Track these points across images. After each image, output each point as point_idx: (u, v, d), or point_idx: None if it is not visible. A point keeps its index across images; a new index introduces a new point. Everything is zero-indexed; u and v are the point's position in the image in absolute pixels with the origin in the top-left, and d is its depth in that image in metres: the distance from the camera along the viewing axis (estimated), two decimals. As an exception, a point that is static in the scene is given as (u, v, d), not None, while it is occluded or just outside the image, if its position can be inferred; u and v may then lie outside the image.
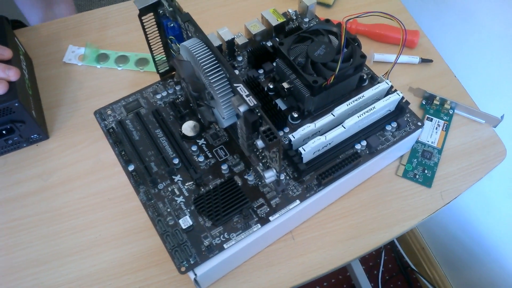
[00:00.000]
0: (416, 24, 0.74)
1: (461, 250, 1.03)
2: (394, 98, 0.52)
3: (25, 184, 0.58)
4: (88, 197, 0.57)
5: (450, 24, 0.81)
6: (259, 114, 0.42)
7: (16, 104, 0.53)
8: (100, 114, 0.57)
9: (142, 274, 0.52)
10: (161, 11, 0.51)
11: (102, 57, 0.69)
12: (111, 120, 0.56)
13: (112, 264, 0.53)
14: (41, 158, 0.60)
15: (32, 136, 0.59)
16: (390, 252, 1.30)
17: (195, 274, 0.46)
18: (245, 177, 0.52)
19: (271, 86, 0.56)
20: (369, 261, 1.29)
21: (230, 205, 0.49)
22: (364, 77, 0.57)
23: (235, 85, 0.43)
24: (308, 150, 0.49)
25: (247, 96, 0.42)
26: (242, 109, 0.42)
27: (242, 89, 0.42)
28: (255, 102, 0.41)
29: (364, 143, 0.53)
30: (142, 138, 0.55)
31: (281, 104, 0.56)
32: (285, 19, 0.61)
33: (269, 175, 0.47)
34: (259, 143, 0.43)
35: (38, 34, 0.72)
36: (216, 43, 0.57)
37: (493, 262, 0.92)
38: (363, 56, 0.52)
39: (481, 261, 0.96)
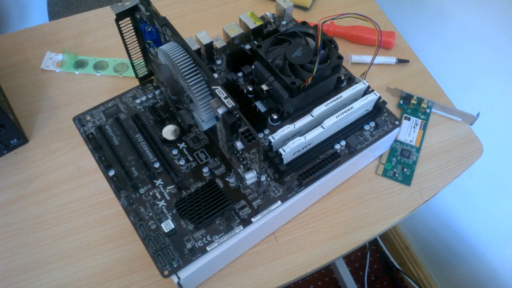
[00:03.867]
0: (392, 26, 0.75)
1: (444, 248, 1.05)
2: (371, 98, 0.53)
3: (4, 193, 0.57)
4: (69, 204, 0.56)
5: (425, 25, 0.83)
6: (237, 115, 0.42)
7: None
8: (79, 120, 0.57)
9: (125, 280, 0.52)
10: (138, 16, 0.52)
11: (80, 63, 0.68)
12: (90, 125, 0.56)
13: (94, 270, 0.52)
14: (20, 166, 0.59)
15: (12, 142, 0.58)
16: (375, 253, 1.31)
17: (178, 278, 0.46)
18: (227, 179, 0.52)
19: (250, 89, 0.57)
20: (355, 262, 1.30)
21: (212, 207, 0.49)
22: (342, 78, 0.58)
23: (213, 87, 0.43)
24: (288, 151, 0.49)
25: (225, 98, 0.42)
26: (220, 111, 0.43)
27: (220, 92, 0.42)
28: (233, 104, 0.41)
29: (343, 143, 0.54)
30: (122, 143, 0.54)
31: (260, 106, 0.56)
32: (262, 22, 0.62)
33: (250, 177, 0.47)
34: (239, 145, 0.44)
35: (14, 41, 0.71)
36: (194, 47, 0.58)
37: (474, 258, 0.94)
38: (340, 57, 0.53)
39: (463, 258, 0.98)
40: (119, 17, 0.50)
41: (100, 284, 0.51)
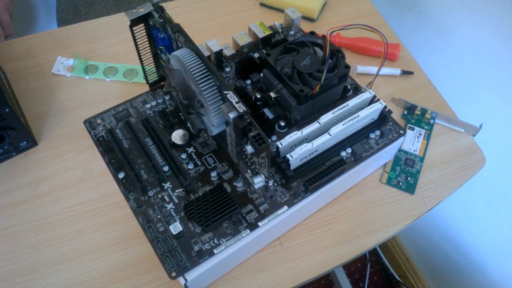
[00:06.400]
0: (396, 38, 0.77)
1: (444, 260, 1.05)
2: (377, 107, 0.54)
3: (14, 194, 0.58)
4: (77, 206, 0.57)
5: (429, 37, 0.84)
6: (248, 120, 0.43)
7: (7, 110, 0.53)
8: (90, 123, 0.58)
9: (132, 281, 0.52)
10: (151, 22, 0.53)
11: (90, 68, 0.69)
12: (100, 129, 0.57)
13: (101, 272, 0.53)
14: (29, 168, 0.60)
15: (21, 144, 0.59)
16: (375, 264, 1.31)
17: (186, 280, 0.47)
18: (234, 183, 0.53)
19: (259, 96, 0.58)
20: (355, 273, 1.30)
21: (219, 211, 0.50)
22: (348, 87, 0.59)
23: (225, 92, 0.44)
24: (296, 157, 0.50)
25: (236, 102, 0.43)
26: (232, 115, 0.44)
27: (231, 96, 0.43)
28: (245, 109, 0.42)
29: (349, 150, 0.55)
30: (132, 147, 0.55)
31: (268, 113, 0.57)
32: (271, 32, 0.63)
33: (258, 181, 0.48)
34: (249, 149, 0.44)
35: (26, 45, 0.73)
36: (204, 54, 0.59)
37: (475, 270, 0.94)
38: (347, 67, 0.54)
39: (464, 270, 0.98)
40: (133, 23, 0.51)
41: (107, 286, 0.52)
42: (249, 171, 0.52)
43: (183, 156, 0.54)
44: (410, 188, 0.61)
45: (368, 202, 0.60)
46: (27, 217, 0.56)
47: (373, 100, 0.56)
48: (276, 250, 0.55)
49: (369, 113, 0.54)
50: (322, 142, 0.52)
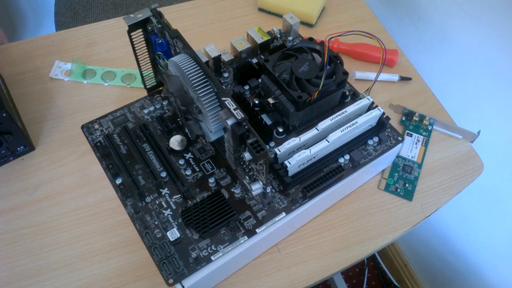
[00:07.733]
0: (395, 44, 0.77)
1: (443, 266, 1.05)
2: (375, 114, 0.54)
3: (10, 199, 0.57)
4: (74, 211, 0.57)
5: (427, 43, 0.84)
6: (246, 127, 0.43)
7: (4, 115, 0.53)
8: (88, 128, 0.57)
9: (128, 288, 0.52)
10: (149, 28, 0.53)
11: (88, 73, 0.69)
12: (98, 134, 0.57)
13: (98, 278, 0.52)
14: (26, 173, 0.60)
15: (18, 149, 0.59)
16: (373, 269, 1.31)
17: (183, 286, 0.46)
18: (232, 190, 0.53)
19: (257, 102, 0.57)
20: (353, 278, 1.30)
21: (217, 217, 0.50)
22: (347, 94, 0.59)
23: (223, 99, 0.44)
24: (294, 163, 0.50)
25: (234, 109, 0.43)
26: (230, 122, 0.43)
27: (230, 103, 0.43)
28: (243, 115, 0.42)
29: (347, 156, 0.55)
30: (129, 152, 0.55)
31: (266, 119, 0.57)
32: (269, 37, 0.63)
33: (256, 187, 0.48)
34: (247, 156, 0.44)
35: (24, 49, 0.72)
36: (203, 59, 0.59)
37: (473, 275, 0.94)
38: (346, 73, 0.54)
39: (462, 276, 0.98)
40: (131, 28, 0.51)
41: (103, 292, 0.52)
42: (247, 177, 0.52)
43: (181, 162, 0.54)
44: (408, 195, 0.60)
45: (366, 208, 0.59)
46: (24, 223, 0.56)
47: (371, 107, 0.56)
48: (274, 257, 0.55)
49: (367, 120, 0.54)
50: (320, 149, 0.51)
